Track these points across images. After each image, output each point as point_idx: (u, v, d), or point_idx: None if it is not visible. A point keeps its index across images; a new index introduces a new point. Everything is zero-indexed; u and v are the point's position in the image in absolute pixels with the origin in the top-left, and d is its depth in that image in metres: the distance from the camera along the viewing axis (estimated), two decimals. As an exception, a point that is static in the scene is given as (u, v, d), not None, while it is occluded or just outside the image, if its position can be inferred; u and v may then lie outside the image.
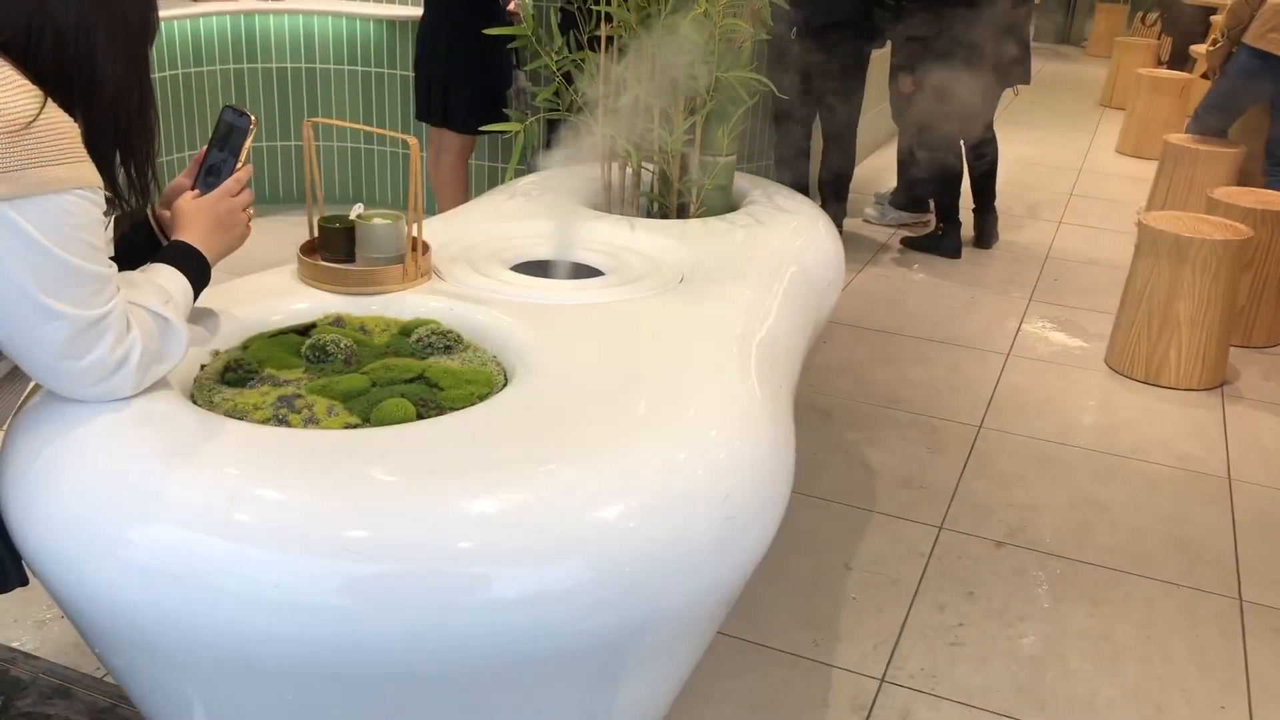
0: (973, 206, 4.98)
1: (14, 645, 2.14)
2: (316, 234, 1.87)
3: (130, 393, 1.35)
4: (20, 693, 2.00)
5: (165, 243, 1.53)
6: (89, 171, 1.24)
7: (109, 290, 1.28)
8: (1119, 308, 3.76)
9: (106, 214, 1.28)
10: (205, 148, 1.60)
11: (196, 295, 1.50)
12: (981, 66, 4.39)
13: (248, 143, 1.59)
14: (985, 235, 4.98)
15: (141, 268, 1.44)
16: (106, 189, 1.30)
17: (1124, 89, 8.23)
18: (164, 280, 1.42)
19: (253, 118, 1.59)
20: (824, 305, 2.35)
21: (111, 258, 1.31)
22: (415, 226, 1.83)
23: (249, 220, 1.61)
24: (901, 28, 4.44)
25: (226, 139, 1.59)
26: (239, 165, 1.58)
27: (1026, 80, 4.71)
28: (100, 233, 1.26)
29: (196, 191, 1.57)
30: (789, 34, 4.10)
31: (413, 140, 1.77)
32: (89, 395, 1.32)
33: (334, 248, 1.84)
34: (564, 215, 2.33)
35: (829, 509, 2.77)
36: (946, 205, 4.82)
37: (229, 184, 1.57)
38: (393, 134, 1.83)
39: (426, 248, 1.89)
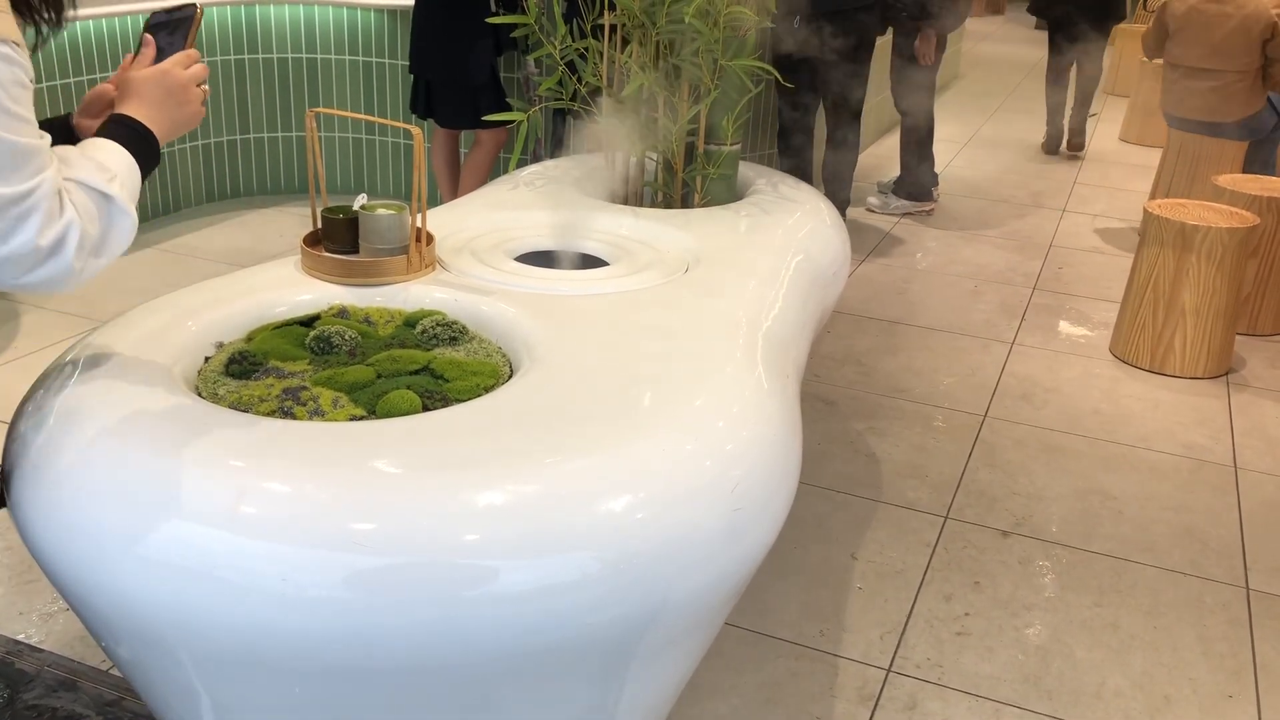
0: (1070, 105, 6.43)
1: (20, 638, 2.14)
2: (320, 225, 1.86)
3: (71, 284, 1.18)
4: (26, 685, 2.00)
5: None
6: (7, 23, 1.09)
7: (34, 164, 1.11)
8: (1124, 296, 3.75)
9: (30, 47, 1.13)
10: (143, 35, 1.41)
11: (145, 177, 1.30)
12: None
13: (193, 29, 1.41)
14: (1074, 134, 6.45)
15: (79, 144, 1.25)
16: (21, 12, 1.15)
17: (1127, 76, 8.20)
18: (104, 156, 1.23)
19: (198, 6, 1.42)
20: (829, 295, 2.35)
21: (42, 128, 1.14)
22: (419, 217, 1.82)
23: (204, 98, 1.40)
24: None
25: (173, 32, 1.40)
26: (186, 48, 1.40)
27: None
28: (23, 97, 1.11)
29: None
30: (793, 22, 4.09)
31: (415, 130, 1.76)
32: (23, 285, 1.16)
33: (338, 239, 1.83)
34: (568, 205, 2.33)
35: (834, 499, 2.77)
36: None
37: (178, 56, 1.37)
38: (395, 124, 1.82)
39: (430, 238, 1.88)
